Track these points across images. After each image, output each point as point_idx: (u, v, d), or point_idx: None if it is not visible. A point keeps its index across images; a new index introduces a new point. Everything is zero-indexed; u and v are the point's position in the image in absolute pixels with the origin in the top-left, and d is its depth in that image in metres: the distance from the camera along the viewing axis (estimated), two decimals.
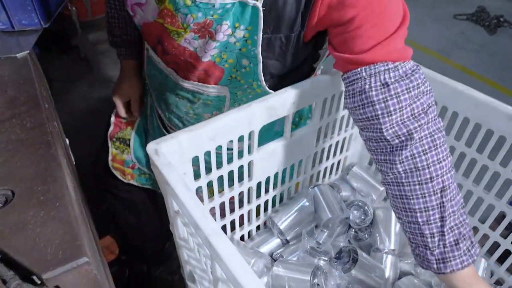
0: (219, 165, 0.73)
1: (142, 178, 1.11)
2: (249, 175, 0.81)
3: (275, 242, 0.94)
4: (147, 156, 1.07)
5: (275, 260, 0.88)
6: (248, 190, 0.84)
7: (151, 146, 0.62)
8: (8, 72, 0.89)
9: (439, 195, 0.60)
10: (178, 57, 0.76)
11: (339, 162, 1.05)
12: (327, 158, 0.99)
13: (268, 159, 0.82)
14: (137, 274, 1.55)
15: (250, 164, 0.79)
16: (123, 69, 1.06)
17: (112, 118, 1.08)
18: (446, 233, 0.60)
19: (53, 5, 1.09)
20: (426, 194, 0.60)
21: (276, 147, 0.82)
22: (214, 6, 0.64)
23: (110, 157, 1.07)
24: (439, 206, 0.60)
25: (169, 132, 0.97)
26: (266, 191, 0.89)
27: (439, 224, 0.60)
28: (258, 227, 0.97)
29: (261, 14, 0.64)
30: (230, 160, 0.75)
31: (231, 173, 0.76)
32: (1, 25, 1.02)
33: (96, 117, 2.46)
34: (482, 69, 3.12)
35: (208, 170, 0.72)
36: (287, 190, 0.95)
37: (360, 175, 1.04)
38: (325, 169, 1.02)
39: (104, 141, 1.13)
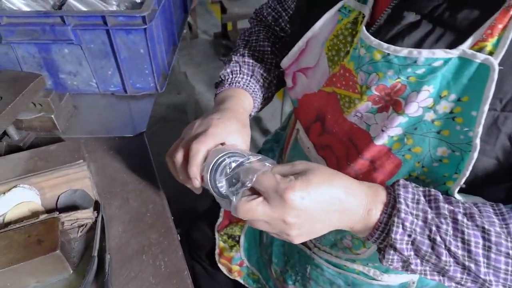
0: None
1: (250, 279, 0.95)
2: None
3: None
4: (259, 256, 0.91)
5: None
6: None
7: None
8: (125, 164, 0.73)
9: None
10: (338, 138, 0.56)
11: None
12: None
13: None
14: None
15: None
16: (226, 99, 0.64)
17: (222, 212, 0.93)
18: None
19: (167, 67, 0.92)
20: None
21: None
22: (415, 62, 0.44)
23: (217, 251, 0.93)
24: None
25: None
26: None
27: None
28: None
29: (495, 76, 0.40)
30: None
31: None
32: (112, 87, 0.87)
33: (163, 124, 2.35)
34: None
35: None
36: None
37: None
38: None
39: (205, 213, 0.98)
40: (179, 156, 0.54)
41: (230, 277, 0.93)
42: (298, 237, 0.44)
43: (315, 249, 0.71)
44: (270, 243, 0.85)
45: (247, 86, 0.67)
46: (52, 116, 0.75)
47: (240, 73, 0.68)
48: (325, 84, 0.57)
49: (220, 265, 0.92)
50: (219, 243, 0.92)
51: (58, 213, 0.57)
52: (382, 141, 0.49)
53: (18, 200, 0.60)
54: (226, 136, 0.54)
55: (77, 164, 0.63)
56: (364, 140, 0.52)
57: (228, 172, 0.49)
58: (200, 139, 0.51)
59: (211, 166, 0.50)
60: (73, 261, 0.58)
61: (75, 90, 0.88)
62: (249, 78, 0.68)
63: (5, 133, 0.74)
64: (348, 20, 0.53)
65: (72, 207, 0.63)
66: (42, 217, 0.56)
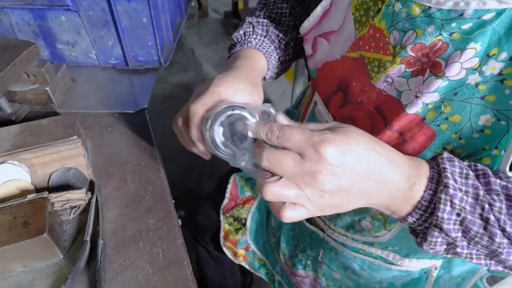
0: None
1: (256, 264, 0.91)
2: None
3: None
4: (266, 241, 0.87)
5: None
6: None
7: None
8: (124, 142, 0.68)
9: None
10: (363, 108, 0.50)
11: None
12: None
13: None
14: None
15: None
16: (237, 60, 0.58)
17: (227, 193, 0.87)
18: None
19: (172, 40, 0.86)
20: None
21: None
22: (461, 15, 0.37)
23: (222, 234, 0.88)
24: None
25: (310, 222, 0.73)
26: None
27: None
28: None
29: None
30: None
31: None
32: (113, 60, 0.81)
33: (171, 103, 2.29)
34: None
35: None
36: None
37: None
38: None
39: (209, 195, 0.94)
40: (180, 121, 0.51)
41: (235, 261, 0.89)
42: (328, 208, 0.37)
43: (329, 231, 0.66)
44: (278, 226, 0.81)
45: (259, 46, 0.61)
46: (47, 88, 0.70)
47: (253, 34, 0.62)
48: (349, 49, 0.50)
49: (224, 249, 0.88)
50: (224, 225, 0.88)
51: (48, 192, 0.53)
52: (415, 109, 0.43)
53: (6, 178, 0.55)
54: (231, 94, 0.47)
55: (70, 141, 0.58)
56: (394, 109, 0.45)
57: (229, 128, 0.43)
58: (198, 99, 0.46)
59: (209, 122, 0.44)
60: (64, 246, 0.53)
61: (74, 62, 0.82)
62: (262, 38, 0.62)
63: None
64: None
65: (65, 187, 0.59)
66: (30, 196, 0.52)
